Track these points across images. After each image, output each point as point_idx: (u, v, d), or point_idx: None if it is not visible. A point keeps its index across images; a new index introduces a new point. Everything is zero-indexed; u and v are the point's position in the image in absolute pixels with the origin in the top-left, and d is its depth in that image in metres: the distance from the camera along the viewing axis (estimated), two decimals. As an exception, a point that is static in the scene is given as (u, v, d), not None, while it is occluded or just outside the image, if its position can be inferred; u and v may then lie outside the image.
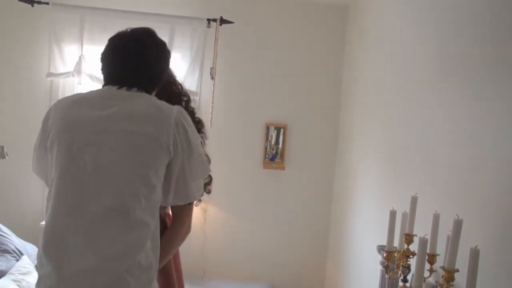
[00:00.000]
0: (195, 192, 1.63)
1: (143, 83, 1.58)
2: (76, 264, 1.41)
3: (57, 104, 1.59)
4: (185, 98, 1.94)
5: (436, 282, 1.71)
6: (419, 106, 2.33)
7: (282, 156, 3.81)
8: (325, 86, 3.86)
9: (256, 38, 3.80)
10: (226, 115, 3.78)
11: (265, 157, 3.81)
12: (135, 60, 1.56)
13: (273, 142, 3.80)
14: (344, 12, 3.82)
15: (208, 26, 3.62)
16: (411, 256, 1.90)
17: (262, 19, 3.81)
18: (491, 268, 1.55)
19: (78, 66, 3.52)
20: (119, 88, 1.55)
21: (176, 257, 1.92)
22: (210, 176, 1.74)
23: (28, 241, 3.13)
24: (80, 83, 3.56)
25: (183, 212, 1.69)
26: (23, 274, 2.69)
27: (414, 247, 1.83)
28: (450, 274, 1.54)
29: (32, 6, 3.51)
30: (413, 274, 1.75)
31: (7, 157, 3.09)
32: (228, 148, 3.79)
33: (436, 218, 1.78)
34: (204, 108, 3.68)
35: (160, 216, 1.58)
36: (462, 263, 1.52)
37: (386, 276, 2.04)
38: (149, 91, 1.60)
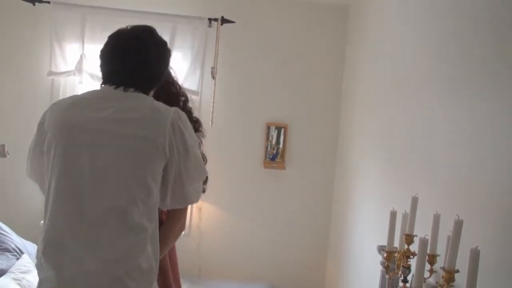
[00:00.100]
0: (193, 196, 1.62)
1: (142, 83, 1.56)
2: (76, 267, 1.41)
3: (52, 107, 1.57)
4: (182, 98, 1.95)
5: (436, 282, 1.71)
6: (419, 106, 2.33)
7: (282, 156, 3.81)
8: (325, 86, 3.86)
9: (257, 38, 3.80)
10: (227, 114, 3.78)
11: (265, 157, 3.81)
12: (135, 58, 1.54)
13: (273, 141, 3.80)
14: (345, 12, 3.82)
15: (209, 26, 3.62)
16: (412, 257, 1.90)
17: (263, 19, 3.81)
18: (491, 268, 1.55)
19: (79, 65, 3.53)
20: (116, 88, 1.53)
21: (173, 257, 1.92)
22: (203, 156, 1.73)
23: (29, 240, 3.14)
24: (81, 82, 3.56)
25: (177, 210, 1.69)
26: (23, 272, 2.69)
27: (414, 247, 1.83)
28: (450, 274, 1.54)
29: (34, 5, 3.51)
30: (413, 275, 1.75)
31: (8, 155, 3.09)
32: (228, 148, 3.79)
33: (437, 218, 1.78)
34: (205, 107, 3.69)
35: None
36: (462, 263, 1.51)
37: (386, 276, 2.04)
38: (147, 91, 1.59)
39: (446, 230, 1.70)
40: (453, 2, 2.09)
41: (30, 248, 3.05)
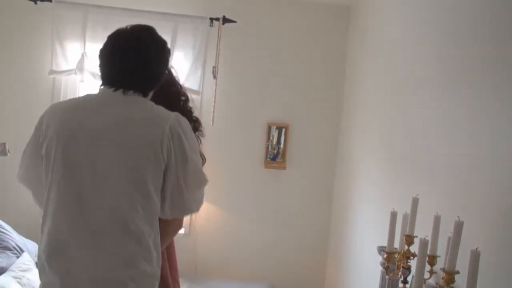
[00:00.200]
0: (193, 205, 1.61)
1: (141, 84, 1.55)
2: (81, 274, 1.42)
3: (51, 110, 1.56)
4: (183, 98, 1.94)
5: (437, 283, 1.71)
6: (419, 106, 2.33)
7: (283, 155, 3.81)
8: (326, 86, 3.85)
9: (258, 37, 3.79)
10: (228, 114, 3.78)
11: (266, 157, 3.80)
12: (134, 58, 1.52)
13: (274, 141, 3.80)
14: (346, 12, 3.82)
15: (211, 25, 3.62)
16: (412, 257, 1.90)
17: (264, 19, 3.81)
18: (491, 269, 1.55)
19: (81, 63, 3.53)
20: (115, 90, 1.52)
21: (173, 257, 1.92)
22: (203, 158, 1.72)
23: (29, 238, 3.14)
24: (82, 81, 3.56)
25: None
26: (24, 271, 2.70)
27: (414, 248, 1.82)
28: (450, 275, 1.53)
29: (35, 3, 3.51)
30: (413, 276, 1.75)
31: (8, 154, 3.09)
32: (229, 148, 3.78)
33: (437, 219, 1.78)
34: (206, 107, 3.68)
35: None
36: (462, 264, 1.51)
37: (386, 277, 2.04)
38: (147, 92, 1.58)
39: (446, 231, 1.70)
40: (453, 2, 2.09)
41: (30, 246, 3.05)
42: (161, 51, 1.59)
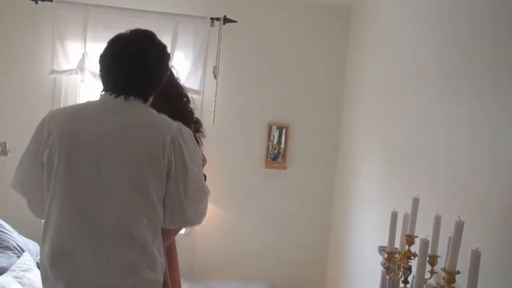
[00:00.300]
0: (194, 217, 1.60)
1: (142, 89, 1.55)
2: (85, 282, 1.43)
3: (50, 118, 1.54)
4: (184, 99, 1.94)
5: (437, 283, 1.71)
6: (419, 106, 2.33)
7: (284, 155, 3.81)
8: (327, 86, 3.85)
9: (259, 37, 3.79)
10: (229, 114, 3.78)
11: (267, 157, 3.80)
12: (135, 64, 1.52)
13: (275, 141, 3.80)
14: (346, 12, 3.82)
15: (212, 25, 3.62)
16: (412, 257, 1.90)
17: (265, 19, 3.81)
18: (491, 269, 1.55)
19: (81, 63, 3.53)
20: (116, 97, 1.51)
21: (174, 259, 1.92)
22: (204, 175, 1.74)
23: (29, 238, 3.14)
24: (83, 81, 3.56)
25: None
26: (24, 270, 2.70)
27: (415, 248, 1.82)
28: (451, 275, 1.54)
29: (36, 3, 3.51)
30: (414, 276, 1.75)
31: (9, 154, 3.09)
32: (230, 148, 3.79)
33: (438, 219, 1.78)
34: (206, 107, 3.68)
35: None
36: (463, 264, 1.51)
37: (387, 277, 2.04)
38: (147, 96, 1.57)
39: (446, 231, 1.70)
40: (453, 2, 2.09)
41: (31, 246, 3.06)
42: (161, 56, 1.59)
